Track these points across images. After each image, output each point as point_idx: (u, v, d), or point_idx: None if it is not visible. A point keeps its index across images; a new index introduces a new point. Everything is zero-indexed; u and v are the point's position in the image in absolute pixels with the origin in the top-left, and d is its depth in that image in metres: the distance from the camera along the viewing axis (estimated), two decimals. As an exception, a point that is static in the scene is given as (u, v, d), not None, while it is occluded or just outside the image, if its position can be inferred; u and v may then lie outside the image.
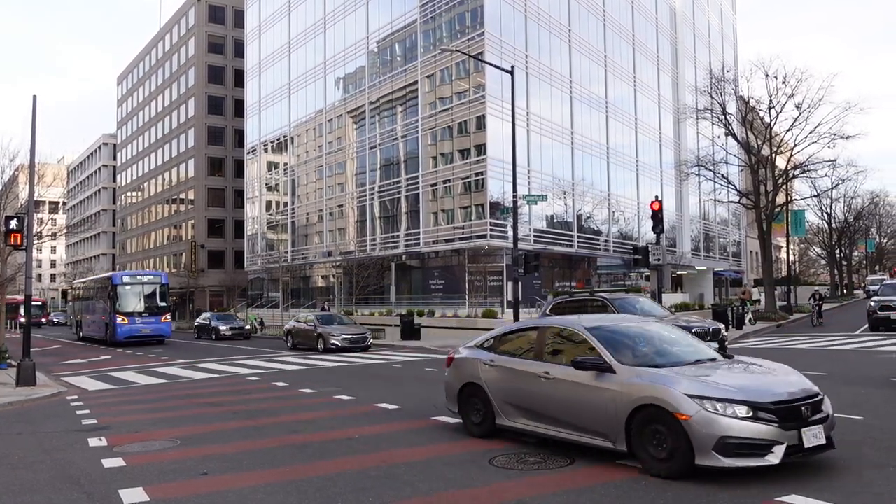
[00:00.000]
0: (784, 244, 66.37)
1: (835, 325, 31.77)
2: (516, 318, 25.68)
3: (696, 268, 63.80)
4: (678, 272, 60.55)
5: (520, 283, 26.39)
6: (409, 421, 10.14)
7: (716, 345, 14.69)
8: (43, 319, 72.38)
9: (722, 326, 15.49)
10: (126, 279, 35.25)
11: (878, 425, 8.61)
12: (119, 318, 33.55)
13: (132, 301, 34.32)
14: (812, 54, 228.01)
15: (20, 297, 71.96)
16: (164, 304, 35.78)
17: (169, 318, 35.92)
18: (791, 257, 65.07)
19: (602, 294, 17.26)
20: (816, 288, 42.05)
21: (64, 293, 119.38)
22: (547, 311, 17.52)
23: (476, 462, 7.34)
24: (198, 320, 43.47)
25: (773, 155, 41.62)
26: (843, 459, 6.96)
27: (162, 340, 35.21)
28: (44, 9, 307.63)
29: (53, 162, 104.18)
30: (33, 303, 64.76)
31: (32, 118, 17.83)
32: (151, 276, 36.64)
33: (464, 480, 6.68)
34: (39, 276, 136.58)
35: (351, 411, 11.37)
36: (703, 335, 14.47)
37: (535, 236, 43.44)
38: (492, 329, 33.04)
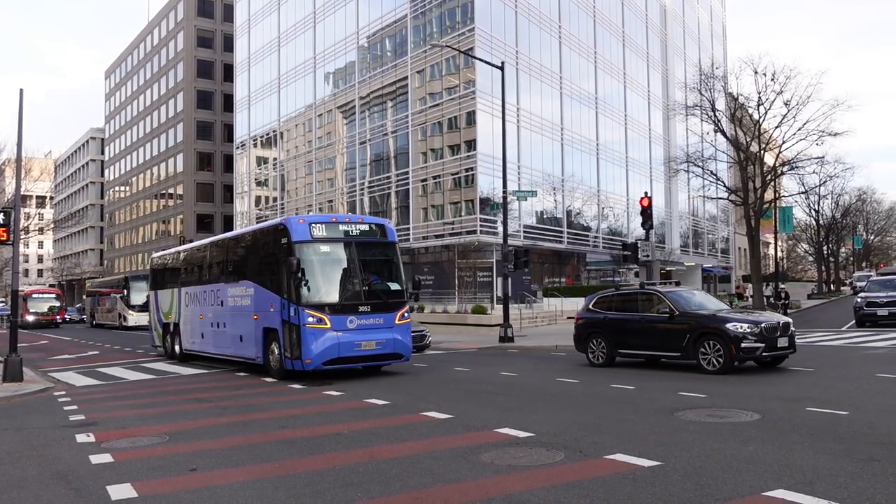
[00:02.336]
0: (772, 241, 66.72)
1: (822, 322, 31.99)
2: (506, 314, 25.73)
3: (685, 264, 64.09)
4: (667, 268, 60.77)
5: (509, 279, 26.44)
6: (398, 416, 10.15)
7: (786, 340, 14.04)
8: (58, 317, 57.30)
9: (790, 321, 14.73)
10: (318, 230, 15.51)
11: (864, 420, 8.69)
12: (310, 318, 14.65)
13: (336, 279, 15.63)
14: (797, 52, 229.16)
15: (31, 289, 65.37)
16: (395, 285, 16.25)
17: (408, 314, 16.30)
18: (779, 254, 65.46)
19: (655, 287, 16.54)
20: (783, 286, 41.98)
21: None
22: (590, 306, 17.18)
23: (465, 457, 7.36)
24: None
25: (762, 152, 41.83)
26: (829, 455, 7.02)
27: (377, 367, 16.58)
28: (35, 5, 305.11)
29: (40, 156, 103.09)
30: (47, 295, 57.54)
31: (19, 112, 17.70)
32: (367, 227, 16.35)
33: (452, 475, 6.69)
34: (26, 271, 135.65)
35: (340, 407, 11.37)
36: (773, 330, 13.85)
37: (524, 232, 43.51)
38: (482, 325, 33.00)
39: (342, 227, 15.83)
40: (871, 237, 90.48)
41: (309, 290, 14.81)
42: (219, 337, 18.84)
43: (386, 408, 11.00)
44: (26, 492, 6.77)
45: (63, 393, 14.80)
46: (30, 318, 52.20)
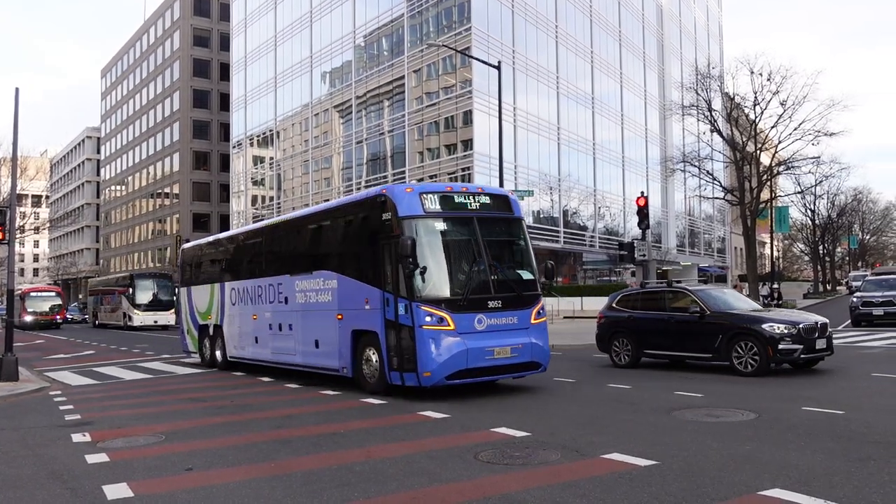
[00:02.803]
0: (768, 240, 66.88)
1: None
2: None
3: (682, 263, 64.21)
4: (663, 268, 60.85)
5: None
6: (395, 416, 10.15)
7: (824, 342, 13.41)
8: (59, 317, 52.38)
9: (827, 321, 14.09)
10: (431, 202, 11.96)
11: (860, 419, 8.71)
12: (427, 318, 11.19)
13: (457, 266, 12.03)
14: (793, 52, 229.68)
15: (30, 287, 62.52)
16: (527, 273, 12.59)
17: (544, 311, 12.62)
18: (775, 253, 65.58)
19: (684, 285, 15.90)
20: (776, 286, 41.79)
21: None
22: (613, 304, 16.65)
23: (461, 457, 7.35)
24: None
25: (758, 151, 41.94)
26: (825, 454, 7.04)
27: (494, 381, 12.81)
28: (35, 5, 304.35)
29: (36, 155, 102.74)
30: (47, 294, 54.70)
31: (15, 111, 17.67)
32: (488, 199, 12.54)
33: (449, 475, 6.69)
34: (22, 270, 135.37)
35: (337, 406, 11.36)
36: (812, 331, 13.23)
37: (521, 232, 43.50)
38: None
39: (458, 199, 12.27)
40: (867, 237, 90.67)
41: (423, 280, 11.30)
42: (281, 342, 15.41)
43: (382, 407, 10.99)
44: (22, 491, 6.75)
45: (59, 392, 14.76)
46: (28, 319, 49.00)
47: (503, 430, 8.67)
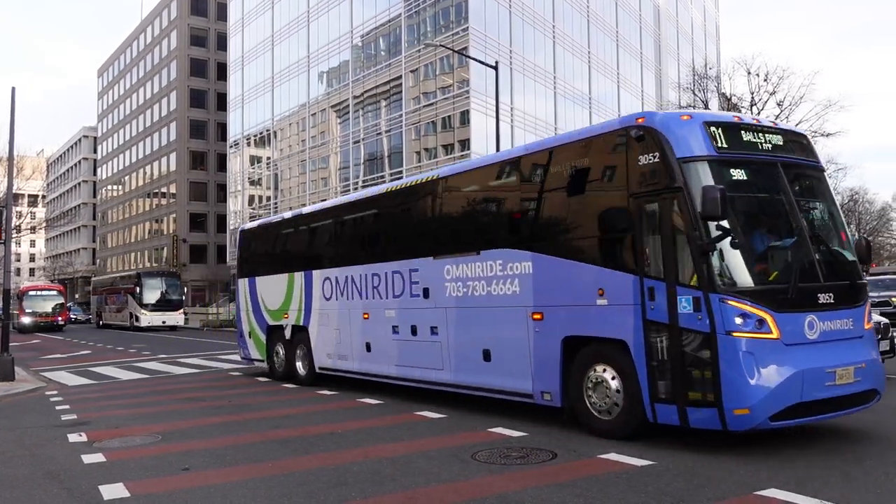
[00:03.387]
0: (765, 240, 66.93)
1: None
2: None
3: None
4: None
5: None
6: (392, 416, 10.15)
7: (887, 343, 12.09)
8: (60, 318, 47.06)
9: (888, 321, 12.65)
10: (721, 138, 7.57)
11: (857, 419, 8.72)
12: (737, 318, 6.91)
13: (770, 239, 7.73)
14: (791, 52, 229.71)
15: (28, 285, 58.41)
16: (848, 251, 8.23)
17: (871, 312, 8.45)
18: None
19: None
20: None
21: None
22: None
23: (458, 457, 7.36)
24: None
25: (755, 152, 42.01)
26: (821, 453, 7.05)
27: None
28: (35, 5, 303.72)
29: (33, 154, 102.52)
30: (47, 292, 51.30)
31: (11, 110, 17.65)
32: (781, 138, 8.05)
33: (446, 475, 6.70)
34: (18, 270, 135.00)
35: (334, 406, 11.36)
36: (874, 332, 12.44)
37: (518, 232, 43.52)
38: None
39: (748, 136, 7.88)
40: (864, 237, 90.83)
41: (724, 260, 7.21)
42: (416, 352, 11.26)
43: (380, 407, 11.00)
44: (18, 491, 6.74)
45: (55, 392, 14.73)
46: (26, 321, 44.89)
47: (500, 430, 8.68)
